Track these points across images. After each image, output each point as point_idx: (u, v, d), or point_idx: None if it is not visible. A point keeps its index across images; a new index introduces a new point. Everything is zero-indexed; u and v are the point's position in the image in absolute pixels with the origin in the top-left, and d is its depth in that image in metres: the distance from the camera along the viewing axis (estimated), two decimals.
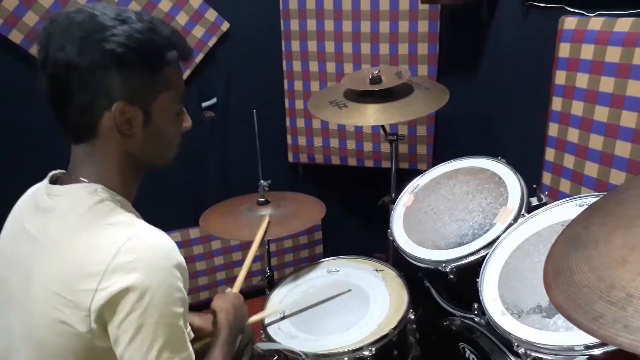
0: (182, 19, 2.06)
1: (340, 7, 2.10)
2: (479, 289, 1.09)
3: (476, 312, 1.29)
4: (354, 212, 2.45)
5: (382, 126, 1.72)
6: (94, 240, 0.77)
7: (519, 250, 1.11)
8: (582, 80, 1.46)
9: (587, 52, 1.43)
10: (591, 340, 0.86)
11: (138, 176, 0.89)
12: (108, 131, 0.82)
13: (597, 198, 1.09)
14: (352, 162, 2.31)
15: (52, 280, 0.77)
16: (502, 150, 1.58)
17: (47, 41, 0.80)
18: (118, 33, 0.78)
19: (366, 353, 1.21)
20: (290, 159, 2.41)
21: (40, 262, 0.80)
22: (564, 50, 1.51)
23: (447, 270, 1.21)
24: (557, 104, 1.56)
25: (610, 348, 0.83)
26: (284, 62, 2.25)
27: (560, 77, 1.53)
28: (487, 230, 1.21)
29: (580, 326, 0.62)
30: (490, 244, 1.18)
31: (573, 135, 1.52)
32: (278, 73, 2.27)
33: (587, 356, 0.87)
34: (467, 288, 1.28)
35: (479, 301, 1.28)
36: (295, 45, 2.21)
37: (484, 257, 1.17)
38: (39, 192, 0.88)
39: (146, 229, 0.80)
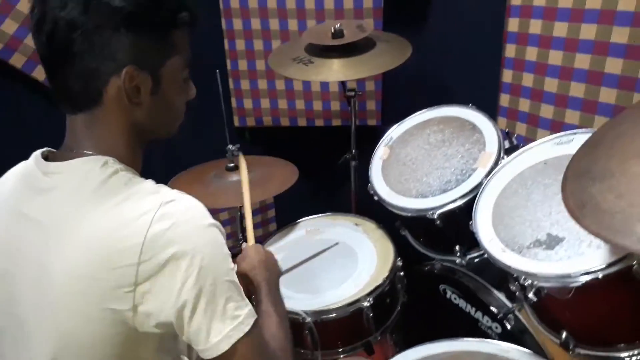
0: None
1: None
2: (474, 230, 1.13)
3: (458, 255, 1.34)
4: (311, 174, 2.44)
5: (342, 82, 1.70)
6: (120, 214, 0.70)
7: (506, 190, 1.16)
8: (535, 27, 1.53)
9: (539, 0, 1.49)
10: (592, 266, 0.93)
11: (142, 148, 0.82)
12: (114, 99, 0.74)
13: (574, 135, 1.16)
14: (302, 122, 2.27)
15: (77, 264, 0.69)
16: (453, 101, 1.62)
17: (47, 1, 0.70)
18: None
19: (365, 304, 1.23)
20: (237, 123, 2.32)
21: (55, 248, 0.71)
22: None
23: (435, 217, 1.24)
24: (510, 50, 1.63)
25: (608, 270, 0.90)
26: (223, 20, 2.14)
27: (513, 24, 1.60)
28: (470, 175, 1.26)
29: (629, 248, 0.67)
30: (475, 188, 1.22)
31: (528, 80, 1.60)
32: (217, 33, 2.15)
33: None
34: (450, 233, 1.33)
35: (461, 244, 1.35)
36: (235, 3, 2.10)
37: (470, 201, 1.22)
38: (30, 173, 0.78)
39: (174, 192, 0.74)
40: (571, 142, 1.15)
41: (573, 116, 1.49)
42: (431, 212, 1.24)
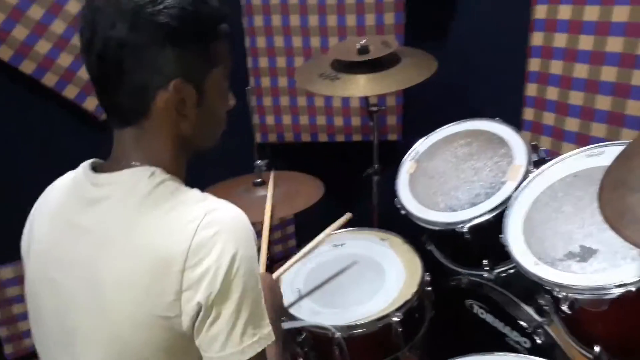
0: None
1: None
2: (505, 243, 1.13)
3: (487, 269, 1.34)
4: (331, 190, 2.45)
5: (366, 98, 1.72)
6: (167, 222, 0.72)
7: (536, 203, 1.16)
8: (560, 41, 1.53)
9: (565, 12, 1.50)
10: (627, 278, 0.92)
11: (186, 159, 0.85)
12: (161, 112, 0.77)
13: (605, 147, 1.16)
14: (322, 137, 2.29)
15: (127, 272, 0.71)
16: (475, 116, 1.62)
17: (94, 19, 0.73)
18: (170, 5, 0.73)
19: (394, 319, 1.22)
20: (258, 139, 2.35)
21: (106, 256, 0.73)
22: (540, 12, 1.57)
23: (465, 230, 1.24)
24: (534, 64, 1.63)
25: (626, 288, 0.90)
26: (247, 38, 2.18)
27: (537, 38, 1.60)
28: (499, 189, 1.26)
29: None
30: (505, 201, 1.22)
31: (552, 93, 1.60)
32: (240, 51, 2.19)
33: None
34: (479, 247, 1.33)
35: (489, 257, 1.34)
36: (258, 21, 2.14)
37: (500, 215, 1.22)
38: (79, 184, 0.81)
39: (220, 201, 0.76)
40: (602, 155, 1.14)
41: (599, 129, 1.49)
42: (461, 225, 1.24)
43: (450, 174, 1.37)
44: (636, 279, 0.91)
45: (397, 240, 1.46)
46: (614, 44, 1.40)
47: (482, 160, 1.34)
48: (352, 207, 2.20)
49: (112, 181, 0.77)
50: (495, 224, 1.24)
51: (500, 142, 1.35)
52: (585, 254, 1.00)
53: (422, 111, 2.12)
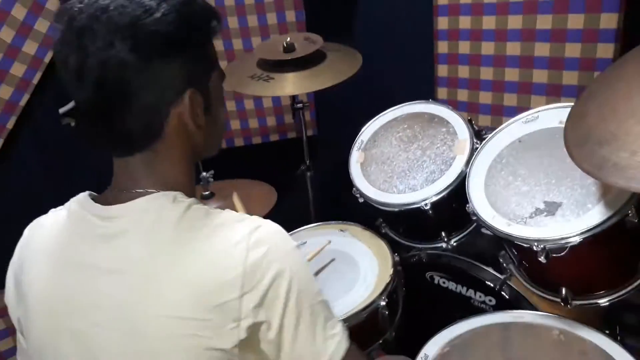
0: (19, 12, 1.71)
1: None
2: (473, 211, 1.21)
3: (445, 239, 1.42)
4: None
5: (293, 96, 1.72)
6: (211, 248, 0.66)
7: (491, 171, 1.26)
8: (464, 23, 1.67)
9: None
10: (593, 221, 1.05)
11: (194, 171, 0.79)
12: (175, 129, 0.70)
13: (538, 112, 1.30)
14: (256, 140, 2.24)
15: (174, 307, 0.64)
16: (390, 101, 1.70)
17: (81, 41, 0.64)
18: (166, 11, 0.67)
19: (382, 303, 1.25)
20: None
21: (143, 293, 0.65)
22: None
23: (428, 207, 1.31)
24: (442, 47, 1.76)
25: (614, 218, 1.03)
26: None
27: (442, 22, 1.73)
28: (451, 164, 1.34)
29: None
30: (461, 174, 1.31)
31: (463, 71, 1.74)
32: None
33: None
34: (437, 220, 1.41)
35: (445, 229, 1.43)
36: None
37: (457, 187, 1.30)
38: (82, 219, 0.71)
39: (257, 218, 0.72)
40: (537, 119, 1.28)
41: (510, 99, 1.66)
42: (425, 202, 1.31)
43: (401, 157, 1.43)
44: (601, 220, 1.03)
45: (356, 229, 1.49)
46: (515, 22, 1.56)
47: (428, 140, 1.42)
48: (288, 204, 2.19)
49: (127, 212, 0.69)
50: (450, 197, 1.33)
51: (440, 120, 1.44)
52: (551, 207, 1.12)
53: (334, 104, 2.18)
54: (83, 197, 0.73)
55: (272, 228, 0.71)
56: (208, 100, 0.74)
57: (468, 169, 1.29)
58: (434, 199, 1.31)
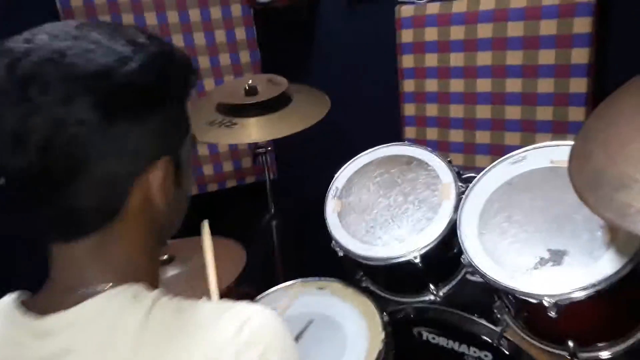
0: None
1: (144, 23, 1.83)
2: (469, 262, 1.11)
3: (434, 292, 1.31)
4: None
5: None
6: (190, 356, 0.51)
7: (483, 216, 1.17)
8: (431, 60, 1.61)
9: (432, 34, 1.58)
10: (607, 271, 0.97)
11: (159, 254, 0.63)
12: (139, 205, 0.55)
13: (525, 152, 1.23)
14: (212, 187, 2.07)
15: None
16: (353, 144, 1.60)
17: (25, 94, 0.49)
18: (145, 62, 0.53)
19: None
20: None
21: None
22: (406, 36, 1.64)
23: (418, 260, 1.20)
24: (409, 85, 1.69)
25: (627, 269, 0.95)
26: None
27: (407, 60, 1.66)
28: (437, 211, 1.24)
29: None
30: (450, 222, 1.21)
31: (432, 109, 1.67)
32: None
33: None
34: (425, 272, 1.29)
35: (433, 280, 1.32)
36: None
37: (447, 236, 1.20)
38: (7, 337, 0.53)
39: (246, 306, 0.57)
40: (525, 160, 1.21)
41: (483, 136, 1.60)
42: (414, 255, 1.19)
43: (381, 205, 1.32)
44: (617, 269, 0.95)
45: (337, 286, 1.35)
46: (484, 58, 1.51)
47: (409, 185, 1.32)
48: (254, 260, 2.02)
49: (70, 324, 0.52)
50: (439, 246, 1.23)
51: (419, 163, 1.35)
52: (557, 256, 1.03)
53: (294, 146, 2.05)
54: (8, 304, 0.55)
55: (265, 319, 0.56)
56: (180, 171, 0.59)
57: (458, 216, 1.19)
58: (424, 250, 1.20)
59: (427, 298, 1.33)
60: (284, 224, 1.69)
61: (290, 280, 1.37)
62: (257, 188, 1.67)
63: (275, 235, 1.71)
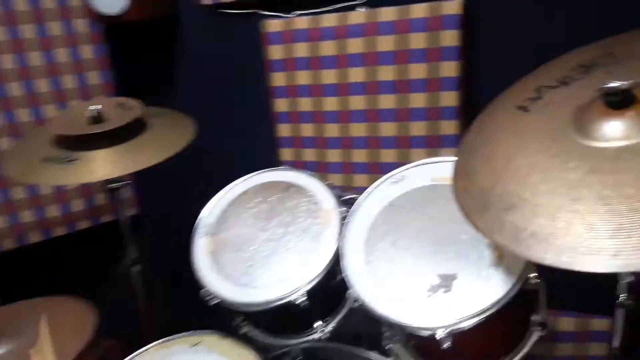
0: None
1: None
2: (361, 301, 1.01)
3: (321, 329, 1.20)
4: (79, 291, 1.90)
5: None
6: None
7: (368, 244, 1.08)
8: (303, 77, 1.52)
9: (302, 50, 1.49)
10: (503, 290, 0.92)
11: None
12: None
13: (404, 171, 1.17)
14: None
15: None
16: (229, 174, 1.46)
17: None
18: None
19: None
20: None
21: None
22: (275, 52, 1.53)
23: (305, 297, 1.07)
24: (282, 105, 1.58)
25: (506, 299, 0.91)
26: None
27: (278, 78, 1.56)
28: (320, 240, 1.13)
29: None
30: (335, 252, 1.11)
31: (308, 130, 1.58)
32: None
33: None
34: (311, 308, 1.18)
35: (319, 316, 1.21)
36: None
37: (333, 266, 1.10)
38: None
39: None
40: (404, 179, 1.15)
41: (360, 155, 1.53)
42: (298, 292, 1.07)
43: (260, 239, 1.18)
44: (507, 290, 0.91)
45: (212, 339, 1.18)
46: (357, 74, 1.45)
47: (288, 214, 1.20)
48: (111, 317, 1.74)
49: None
50: (323, 280, 1.12)
51: (298, 189, 1.24)
52: (447, 281, 0.97)
53: (160, 176, 1.84)
54: None
55: None
56: None
57: (341, 245, 1.09)
58: (309, 286, 1.08)
59: (313, 337, 1.21)
60: (148, 269, 1.47)
61: (159, 337, 1.17)
62: (115, 228, 1.43)
63: (138, 283, 1.48)
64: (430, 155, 1.43)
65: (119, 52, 1.75)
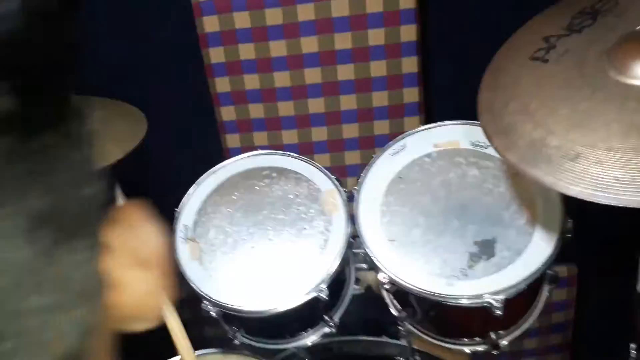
0: None
1: None
2: (389, 278, 0.91)
3: (331, 323, 1.09)
4: None
5: None
6: None
7: (384, 223, 0.99)
8: (247, 52, 1.35)
9: (243, 20, 1.32)
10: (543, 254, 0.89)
11: None
12: None
13: (403, 139, 1.09)
14: None
15: None
16: (177, 171, 1.25)
17: None
18: None
19: None
20: None
21: None
22: (211, 24, 1.33)
23: (325, 291, 0.95)
24: (223, 84, 1.40)
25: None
26: None
27: (216, 55, 1.36)
28: (329, 228, 1.01)
29: None
30: (351, 238, 0.99)
31: (256, 110, 1.42)
32: None
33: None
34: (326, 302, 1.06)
35: (326, 308, 1.09)
36: None
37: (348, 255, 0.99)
38: None
39: None
40: (406, 148, 1.07)
41: (319, 133, 1.43)
42: (317, 290, 0.94)
43: (258, 234, 1.02)
44: (554, 244, 0.89)
45: (217, 358, 1.00)
46: (309, 44, 1.33)
47: (284, 202, 1.05)
48: None
49: None
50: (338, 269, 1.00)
51: (281, 172, 1.09)
52: (487, 247, 0.92)
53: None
54: None
55: None
56: None
57: (358, 229, 0.98)
58: (329, 281, 0.95)
59: (322, 331, 1.09)
60: None
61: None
62: None
63: None
64: (393, 126, 1.39)
65: None
